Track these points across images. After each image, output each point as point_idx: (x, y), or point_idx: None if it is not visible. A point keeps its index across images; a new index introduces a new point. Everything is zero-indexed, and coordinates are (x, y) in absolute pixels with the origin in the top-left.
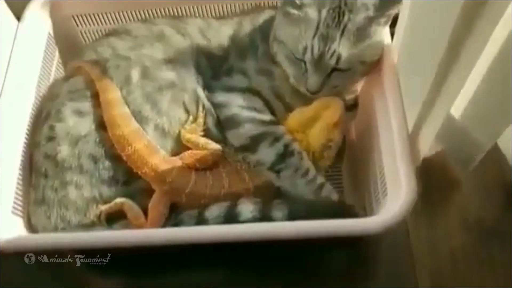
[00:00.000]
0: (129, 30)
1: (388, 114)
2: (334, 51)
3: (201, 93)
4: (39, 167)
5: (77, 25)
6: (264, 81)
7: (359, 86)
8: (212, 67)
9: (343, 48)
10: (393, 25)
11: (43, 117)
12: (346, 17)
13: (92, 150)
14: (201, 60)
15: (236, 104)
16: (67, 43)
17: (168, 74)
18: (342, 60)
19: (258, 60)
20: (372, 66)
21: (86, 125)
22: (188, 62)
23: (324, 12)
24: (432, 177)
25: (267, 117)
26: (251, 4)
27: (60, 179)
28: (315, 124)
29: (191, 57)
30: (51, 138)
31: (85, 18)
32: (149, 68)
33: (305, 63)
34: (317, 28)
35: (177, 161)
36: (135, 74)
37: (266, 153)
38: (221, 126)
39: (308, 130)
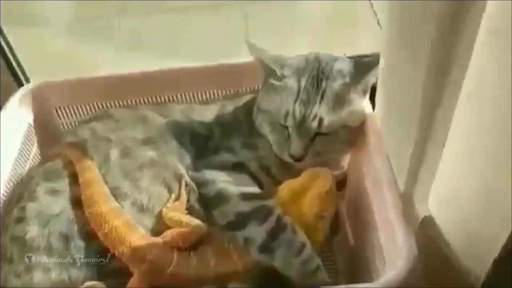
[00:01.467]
0: (111, 115)
1: (380, 183)
2: (316, 114)
3: (183, 170)
4: (3, 253)
5: (59, 117)
6: (250, 154)
7: (345, 163)
8: (196, 146)
9: (323, 111)
10: (372, 97)
11: (14, 201)
12: (324, 84)
13: (63, 228)
14: (184, 138)
15: (223, 180)
16: (48, 134)
17: (149, 153)
18: (324, 123)
19: (243, 136)
20: (354, 133)
21: (59, 204)
22: (169, 141)
23: (303, 81)
24: None
25: (255, 190)
26: (232, 91)
27: (25, 263)
28: (306, 194)
29: (173, 136)
30: (20, 219)
31: (67, 110)
32: (130, 148)
33: (287, 129)
34: (298, 95)
35: (157, 240)
36: (114, 153)
37: (256, 231)
38: (206, 204)
39: (300, 200)
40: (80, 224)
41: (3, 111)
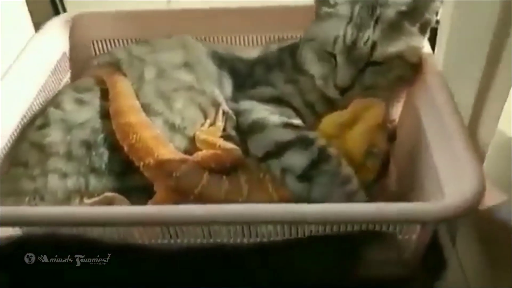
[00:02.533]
0: (149, 41)
1: (442, 120)
2: (368, 38)
3: (221, 98)
4: (19, 158)
5: (95, 51)
6: (292, 89)
7: (395, 114)
8: (235, 81)
9: (377, 36)
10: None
11: (37, 115)
12: (378, 10)
13: (86, 136)
14: (224, 70)
15: (263, 109)
16: (82, 67)
17: (185, 76)
18: (377, 48)
19: (285, 72)
20: (409, 71)
21: (85, 113)
22: (209, 68)
23: (357, 8)
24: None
25: (296, 121)
26: (276, 37)
27: (41, 166)
28: (354, 126)
29: (213, 65)
30: (42, 126)
31: (105, 43)
32: (165, 70)
33: (335, 57)
34: (350, 19)
35: (187, 157)
36: (149, 73)
37: (296, 158)
38: (242, 133)
39: (347, 134)
40: (104, 134)
41: (37, 34)
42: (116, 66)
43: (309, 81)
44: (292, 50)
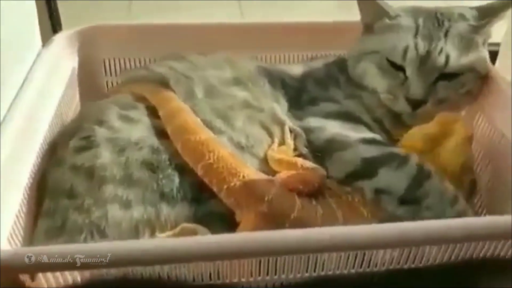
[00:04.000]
0: (184, 57)
1: None
2: (442, 49)
3: (283, 115)
4: (59, 187)
5: (105, 70)
6: (356, 104)
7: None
8: (288, 96)
9: (450, 48)
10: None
11: (66, 136)
12: (446, 23)
13: (147, 157)
14: (276, 85)
15: (336, 125)
16: (91, 86)
17: (239, 93)
18: (451, 60)
19: (342, 89)
20: (477, 85)
21: (136, 132)
22: (262, 84)
23: (420, 20)
24: None
25: (376, 136)
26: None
27: (95, 195)
28: (445, 140)
29: (265, 81)
30: (83, 148)
31: (117, 62)
32: (215, 87)
33: (404, 71)
34: (417, 30)
35: (274, 179)
36: (199, 91)
37: (394, 178)
38: (316, 153)
39: (440, 148)
40: (167, 155)
41: (45, 49)
42: (159, 82)
43: (372, 97)
44: (341, 66)
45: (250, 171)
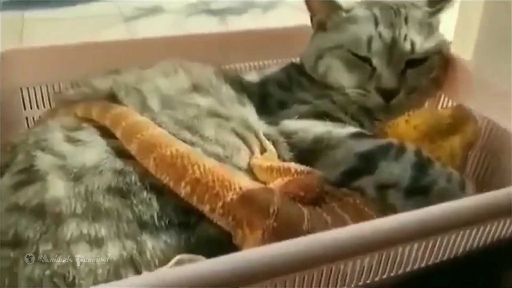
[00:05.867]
0: (127, 69)
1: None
2: (406, 36)
3: (254, 120)
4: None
5: (24, 106)
6: (327, 103)
7: None
8: (252, 101)
9: (413, 33)
10: None
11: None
12: (403, 11)
13: (112, 181)
14: (239, 92)
15: (318, 124)
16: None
17: (201, 101)
18: (417, 45)
19: (308, 90)
20: (442, 71)
21: (91, 154)
22: (224, 89)
23: (376, 10)
24: None
25: (363, 130)
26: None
27: (53, 238)
28: (449, 138)
29: (226, 85)
30: (24, 183)
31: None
32: (172, 96)
33: (370, 61)
34: (376, 20)
35: (273, 188)
36: (154, 103)
37: (396, 169)
38: (302, 156)
39: (445, 142)
40: (139, 175)
41: None
42: (106, 98)
43: (341, 95)
44: (299, 68)
45: (245, 181)
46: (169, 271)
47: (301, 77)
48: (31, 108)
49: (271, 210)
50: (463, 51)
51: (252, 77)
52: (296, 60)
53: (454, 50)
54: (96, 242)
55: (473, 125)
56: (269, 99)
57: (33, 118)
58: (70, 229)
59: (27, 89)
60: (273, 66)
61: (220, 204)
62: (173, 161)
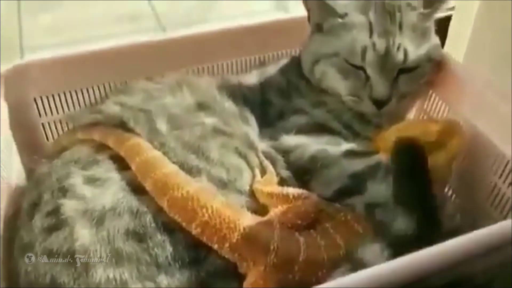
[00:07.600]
0: (133, 87)
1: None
2: (399, 45)
3: (255, 137)
4: (36, 281)
5: (39, 113)
6: (324, 112)
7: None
8: (254, 113)
9: (407, 42)
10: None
11: (25, 211)
12: (398, 15)
13: (130, 225)
14: (241, 104)
15: (314, 142)
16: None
17: (206, 120)
18: (410, 55)
19: (305, 96)
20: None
21: (109, 195)
22: (228, 105)
23: (372, 15)
24: None
25: (354, 146)
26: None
27: (85, 283)
28: (437, 152)
29: (229, 100)
30: (53, 228)
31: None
32: (179, 116)
33: (365, 70)
34: (370, 28)
35: (271, 221)
36: (161, 125)
37: (382, 189)
38: (298, 174)
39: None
40: (152, 214)
41: None
42: (118, 125)
43: (336, 101)
44: (297, 70)
45: (247, 218)
46: None
47: (301, 80)
48: (46, 115)
49: (272, 247)
50: (455, 52)
51: (252, 79)
52: (297, 53)
53: (447, 50)
54: (122, 285)
55: (459, 140)
56: (269, 108)
57: (48, 124)
58: (99, 274)
59: (41, 98)
60: (273, 66)
61: (227, 244)
62: (184, 204)
